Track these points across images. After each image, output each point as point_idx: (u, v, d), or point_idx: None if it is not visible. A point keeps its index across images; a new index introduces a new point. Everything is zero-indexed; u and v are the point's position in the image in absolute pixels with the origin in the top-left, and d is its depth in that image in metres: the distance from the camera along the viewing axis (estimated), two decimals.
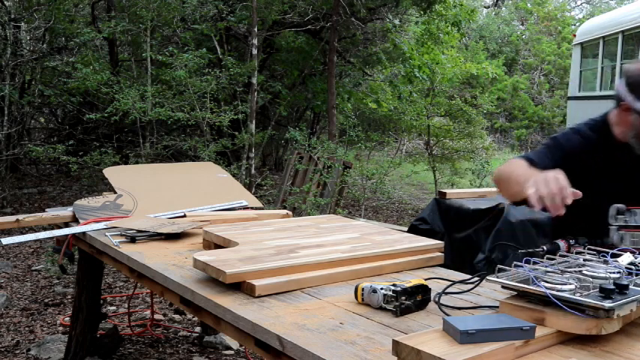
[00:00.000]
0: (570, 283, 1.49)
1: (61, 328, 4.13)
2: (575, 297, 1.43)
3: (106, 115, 7.03)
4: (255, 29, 7.73)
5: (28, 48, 9.28)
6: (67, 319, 4.05)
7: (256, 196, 3.75)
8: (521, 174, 1.93)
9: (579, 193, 1.73)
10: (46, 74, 9.60)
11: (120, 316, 4.40)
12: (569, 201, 1.70)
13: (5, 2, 8.63)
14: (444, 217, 4.21)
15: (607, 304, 1.39)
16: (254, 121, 7.70)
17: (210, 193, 3.48)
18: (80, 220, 3.01)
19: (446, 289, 1.92)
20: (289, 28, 9.73)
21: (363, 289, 1.82)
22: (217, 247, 2.41)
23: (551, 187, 1.70)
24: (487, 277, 1.66)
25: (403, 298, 1.73)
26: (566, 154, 2.13)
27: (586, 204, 1.88)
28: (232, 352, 3.84)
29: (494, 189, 5.10)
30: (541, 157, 2.10)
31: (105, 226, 2.87)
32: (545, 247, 1.91)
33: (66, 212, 3.19)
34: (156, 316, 4.27)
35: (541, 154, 2.15)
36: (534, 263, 1.68)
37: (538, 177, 1.75)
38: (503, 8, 24.52)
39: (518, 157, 2.15)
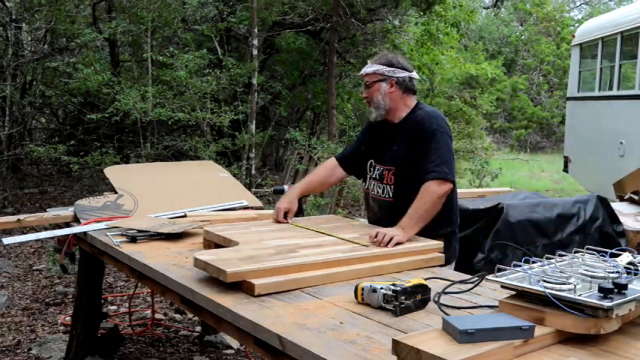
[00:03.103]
0: (569, 283, 1.50)
1: (62, 328, 4.14)
2: (574, 296, 1.44)
3: (106, 115, 7.04)
4: (256, 30, 7.73)
5: (29, 49, 9.29)
6: (68, 318, 4.06)
7: (256, 196, 3.76)
8: None
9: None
10: (47, 75, 9.61)
11: (121, 316, 4.40)
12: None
13: (6, 3, 8.64)
14: None
15: (606, 303, 1.40)
16: (254, 122, 7.71)
17: (210, 193, 3.49)
18: (81, 220, 3.02)
19: (445, 288, 1.92)
20: (289, 29, 9.73)
21: (362, 289, 1.82)
22: (218, 246, 2.41)
23: None
24: (487, 277, 1.67)
25: (403, 297, 1.73)
26: None
27: None
28: (233, 351, 3.84)
29: (494, 189, 5.10)
30: None
31: (106, 226, 2.88)
32: None
33: (67, 212, 3.20)
34: (156, 316, 4.28)
35: None
36: (533, 263, 1.69)
37: None
38: (503, 9, 24.51)
39: None
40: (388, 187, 2.67)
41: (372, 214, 2.82)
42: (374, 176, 2.75)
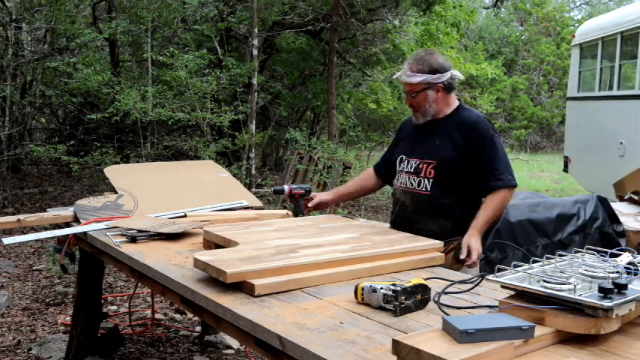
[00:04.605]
0: (569, 283, 1.50)
1: (62, 328, 4.14)
2: (574, 296, 1.44)
3: (106, 115, 7.04)
4: (256, 30, 7.74)
5: (29, 49, 9.29)
6: (68, 318, 4.06)
7: (256, 196, 3.76)
8: None
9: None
10: (47, 75, 9.61)
11: (121, 316, 4.41)
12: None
13: (6, 3, 8.64)
14: None
15: (606, 303, 1.40)
16: (254, 122, 7.71)
17: (210, 193, 3.49)
18: (81, 220, 3.01)
19: (445, 288, 1.93)
20: (289, 29, 9.74)
21: (362, 289, 1.82)
22: (218, 246, 2.41)
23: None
24: (487, 277, 1.67)
25: (403, 297, 1.73)
26: None
27: None
28: (233, 351, 3.85)
29: None
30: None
31: (106, 226, 2.88)
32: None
33: (67, 212, 3.20)
34: (156, 316, 4.28)
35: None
36: (533, 263, 1.69)
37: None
38: (503, 9, 24.51)
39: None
40: (426, 180, 2.67)
41: (401, 210, 2.78)
42: (407, 170, 2.75)
